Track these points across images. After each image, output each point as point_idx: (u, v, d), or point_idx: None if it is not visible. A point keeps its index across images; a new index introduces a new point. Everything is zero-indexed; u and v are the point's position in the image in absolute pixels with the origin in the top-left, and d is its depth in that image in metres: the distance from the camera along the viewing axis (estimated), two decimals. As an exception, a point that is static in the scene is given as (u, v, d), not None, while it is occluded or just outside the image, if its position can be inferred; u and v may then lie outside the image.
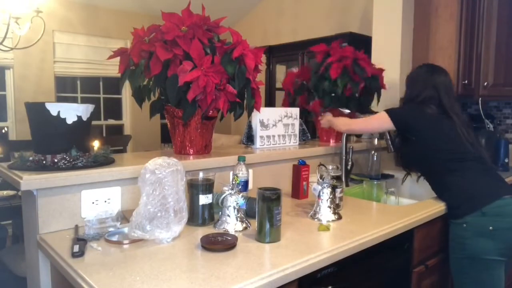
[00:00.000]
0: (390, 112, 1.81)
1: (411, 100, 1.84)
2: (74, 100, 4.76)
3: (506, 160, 2.63)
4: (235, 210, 1.29)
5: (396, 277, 1.52)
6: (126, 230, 1.21)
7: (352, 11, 4.12)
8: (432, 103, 1.77)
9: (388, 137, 2.01)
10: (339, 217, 1.44)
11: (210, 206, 1.35)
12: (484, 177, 1.69)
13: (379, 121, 1.83)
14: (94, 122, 1.44)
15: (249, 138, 1.90)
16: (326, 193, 1.44)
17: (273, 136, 1.95)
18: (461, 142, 1.70)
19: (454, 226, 1.65)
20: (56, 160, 1.27)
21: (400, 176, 2.17)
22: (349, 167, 2.16)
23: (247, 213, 1.38)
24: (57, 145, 1.29)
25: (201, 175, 1.35)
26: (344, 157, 2.13)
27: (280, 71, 4.46)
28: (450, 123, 1.73)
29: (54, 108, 1.26)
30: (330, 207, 1.44)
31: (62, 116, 1.27)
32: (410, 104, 1.85)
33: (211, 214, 1.36)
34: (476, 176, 1.69)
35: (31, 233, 1.29)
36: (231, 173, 1.61)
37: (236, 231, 1.27)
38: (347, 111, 2.16)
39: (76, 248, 1.07)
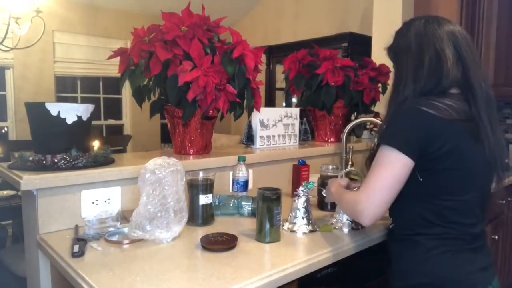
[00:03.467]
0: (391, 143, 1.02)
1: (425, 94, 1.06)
2: (74, 100, 4.76)
3: (506, 160, 2.62)
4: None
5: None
6: (126, 230, 1.21)
7: (352, 11, 4.12)
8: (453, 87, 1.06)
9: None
10: (314, 230, 1.29)
11: (210, 206, 1.35)
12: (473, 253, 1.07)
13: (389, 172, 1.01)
14: (94, 122, 1.44)
15: (249, 138, 1.90)
16: (300, 202, 1.30)
17: (273, 136, 1.95)
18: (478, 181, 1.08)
19: None
20: (56, 160, 1.27)
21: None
22: (349, 167, 2.16)
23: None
24: (57, 145, 1.29)
25: (201, 175, 1.35)
26: (344, 157, 2.13)
27: (280, 71, 4.46)
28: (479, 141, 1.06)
29: (54, 108, 1.26)
30: (304, 218, 1.29)
31: (62, 116, 1.27)
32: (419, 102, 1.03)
33: (211, 214, 1.36)
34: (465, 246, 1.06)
35: (31, 233, 1.29)
36: (230, 173, 1.61)
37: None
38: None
39: (76, 248, 1.07)
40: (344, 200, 1.16)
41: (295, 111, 2.05)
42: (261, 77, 2.88)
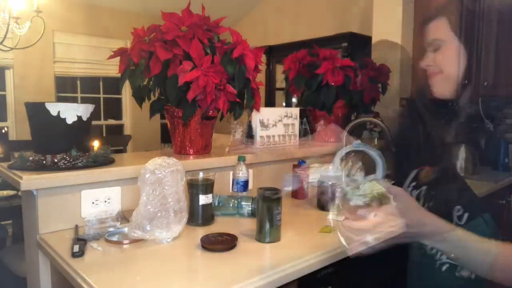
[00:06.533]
0: None
1: None
2: (74, 100, 4.76)
3: (506, 160, 2.63)
4: None
5: (396, 275, 1.52)
6: (126, 230, 1.21)
7: (352, 11, 4.11)
8: None
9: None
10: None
11: (210, 206, 1.35)
12: None
13: None
14: (94, 122, 1.44)
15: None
16: None
17: (273, 136, 1.94)
18: None
19: None
20: (56, 160, 1.27)
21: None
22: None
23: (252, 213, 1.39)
24: (57, 145, 1.29)
25: (201, 175, 1.35)
26: (343, 158, 2.13)
27: (280, 71, 4.46)
28: None
29: (54, 108, 1.26)
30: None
31: (62, 116, 1.27)
32: None
33: (211, 214, 1.36)
34: None
35: (31, 233, 1.29)
36: (230, 173, 1.61)
37: None
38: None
39: (76, 248, 1.07)
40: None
41: (295, 111, 2.05)
42: (261, 77, 2.88)
